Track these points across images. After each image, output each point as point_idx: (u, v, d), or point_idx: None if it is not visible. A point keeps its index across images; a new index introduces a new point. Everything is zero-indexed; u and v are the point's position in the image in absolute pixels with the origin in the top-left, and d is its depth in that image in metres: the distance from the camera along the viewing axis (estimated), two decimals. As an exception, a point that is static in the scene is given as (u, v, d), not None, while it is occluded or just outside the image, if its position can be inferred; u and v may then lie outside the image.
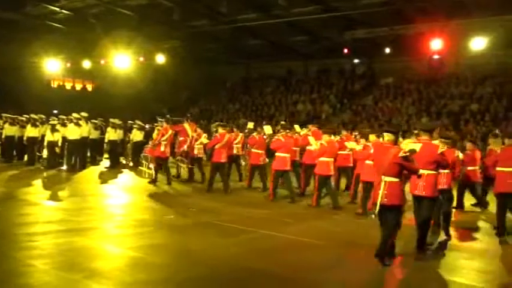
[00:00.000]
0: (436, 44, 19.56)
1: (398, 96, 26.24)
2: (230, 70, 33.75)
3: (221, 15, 23.36)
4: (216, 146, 12.58)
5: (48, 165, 16.64)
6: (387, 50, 23.48)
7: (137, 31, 24.71)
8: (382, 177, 6.76)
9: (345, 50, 23.97)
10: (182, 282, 5.95)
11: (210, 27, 26.37)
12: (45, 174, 15.42)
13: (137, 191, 13.04)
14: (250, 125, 15.50)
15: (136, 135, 17.82)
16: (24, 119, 18.46)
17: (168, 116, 15.05)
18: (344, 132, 13.79)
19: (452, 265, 7.19)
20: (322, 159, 10.95)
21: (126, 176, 15.95)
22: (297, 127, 14.39)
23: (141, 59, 26.69)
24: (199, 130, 15.09)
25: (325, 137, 11.22)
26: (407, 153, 6.70)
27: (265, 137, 13.41)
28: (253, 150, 13.19)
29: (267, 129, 13.77)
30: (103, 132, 18.40)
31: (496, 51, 21.76)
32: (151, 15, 24.35)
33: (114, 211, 10.18)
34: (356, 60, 29.98)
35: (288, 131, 12.51)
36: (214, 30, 26.71)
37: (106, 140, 18.19)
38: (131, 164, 17.92)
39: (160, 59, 26.01)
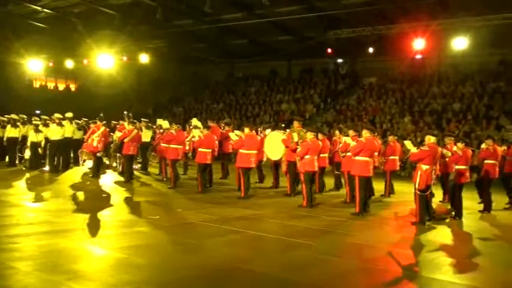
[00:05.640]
0: (419, 44, 19.76)
1: (382, 95, 26.41)
2: (214, 70, 33.68)
3: (205, 15, 23.32)
4: (125, 140, 14.58)
5: (31, 166, 16.47)
6: (370, 50, 23.59)
7: (120, 31, 24.60)
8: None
9: (329, 50, 24.06)
10: (166, 284, 5.92)
11: (194, 26, 26.34)
12: (27, 175, 15.26)
13: (121, 191, 12.94)
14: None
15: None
16: (5, 119, 18.22)
17: (101, 114, 16.10)
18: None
19: (432, 262, 7.23)
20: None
21: (110, 176, 15.84)
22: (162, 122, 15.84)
23: (125, 58, 26.56)
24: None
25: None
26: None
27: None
28: (171, 146, 13.83)
29: (164, 123, 15.37)
30: (86, 133, 18.21)
31: (478, 51, 22.03)
32: (135, 15, 24.22)
33: (97, 212, 10.08)
34: (339, 60, 30.12)
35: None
36: (198, 29, 26.70)
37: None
38: (114, 164, 17.78)
39: (144, 58, 25.88)
